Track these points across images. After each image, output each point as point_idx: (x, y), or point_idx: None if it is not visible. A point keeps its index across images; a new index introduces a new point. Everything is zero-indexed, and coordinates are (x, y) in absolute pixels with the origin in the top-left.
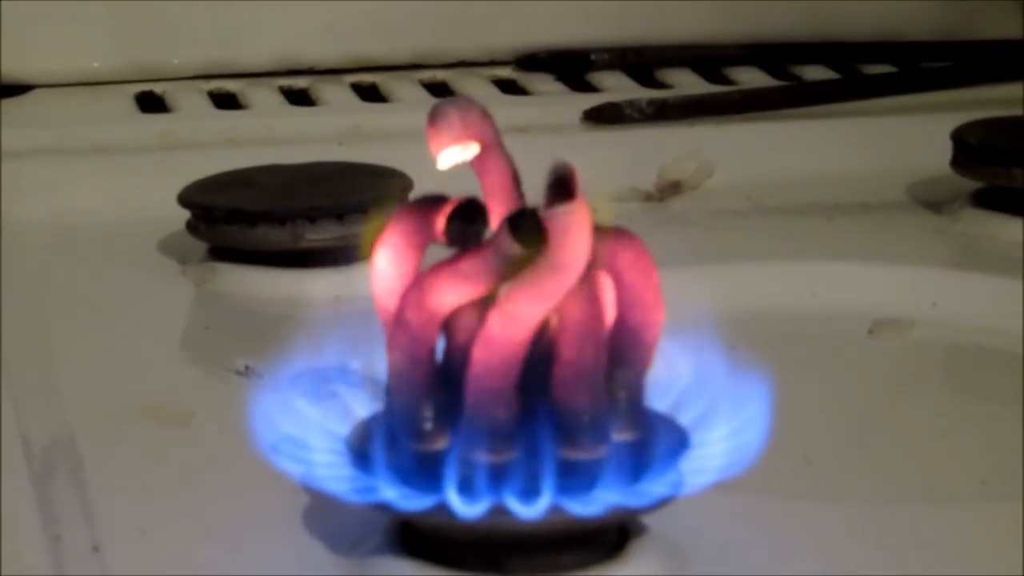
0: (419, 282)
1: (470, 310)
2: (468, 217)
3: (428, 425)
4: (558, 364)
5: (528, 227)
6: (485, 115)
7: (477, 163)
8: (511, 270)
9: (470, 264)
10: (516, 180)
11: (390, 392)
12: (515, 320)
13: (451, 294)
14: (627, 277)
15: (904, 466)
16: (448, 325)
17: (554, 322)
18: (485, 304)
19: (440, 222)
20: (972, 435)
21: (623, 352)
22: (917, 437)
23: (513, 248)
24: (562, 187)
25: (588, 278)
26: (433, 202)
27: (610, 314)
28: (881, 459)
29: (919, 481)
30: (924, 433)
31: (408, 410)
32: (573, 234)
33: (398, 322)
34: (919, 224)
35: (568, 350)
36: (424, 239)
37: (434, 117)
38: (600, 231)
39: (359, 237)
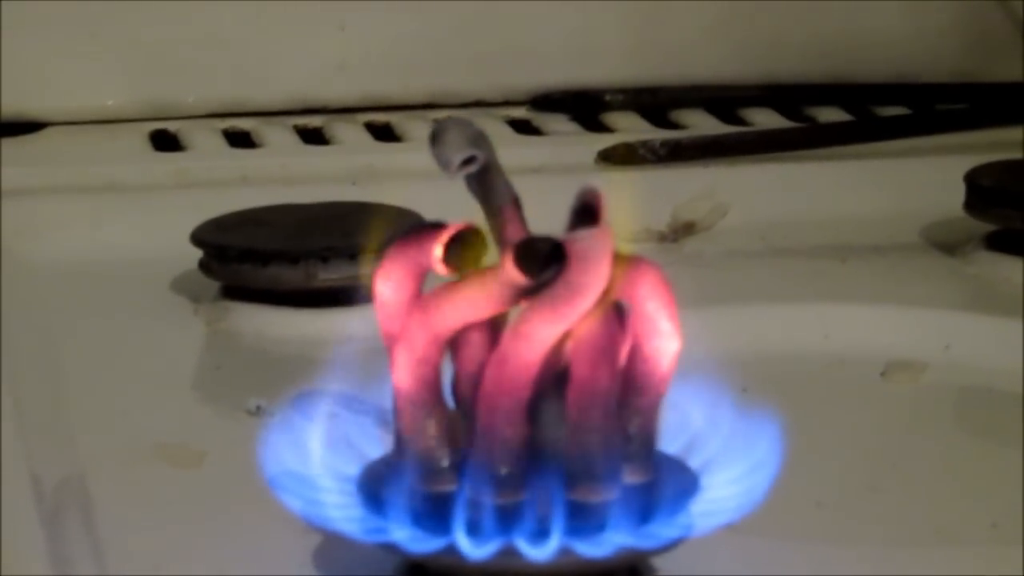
0: (423, 303)
1: (479, 340)
2: (465, 244)
3: (433, 448)
4: (573, 384)
5: (532, 256)
6: (483, 134)
7: (477, 183)
8: (515, 296)
9: (474, 287)
10: (517, 202)
11: (395, 416)
12: (529, 340)
13: (455, 315)
14: (645, 306)
15: (915, 509)
16: (456, 355)
17: (569, 346)
18: (495, 330)
19: (437, 249)
20: (984, 478)
21: (638, 381)
22: (928, 480)
23: (515, 276)
24: (587, 212)
25: (606, 302)
26: (430, 229)
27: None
28: (892, 502)
29: (930, 524)
30: (935, 476)
31: (413, 434)
32: (592, 258)
33: (403, 342)
34: (932, 266)
35: (583, 370)
36: (423, 266)
37: (437, 133)
38: (620, 259)
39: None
